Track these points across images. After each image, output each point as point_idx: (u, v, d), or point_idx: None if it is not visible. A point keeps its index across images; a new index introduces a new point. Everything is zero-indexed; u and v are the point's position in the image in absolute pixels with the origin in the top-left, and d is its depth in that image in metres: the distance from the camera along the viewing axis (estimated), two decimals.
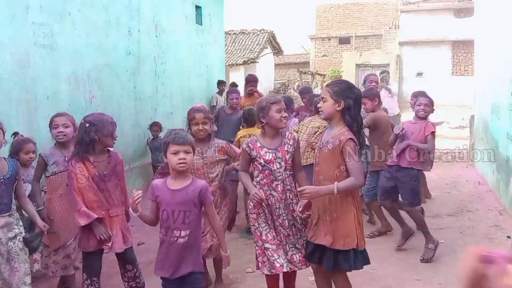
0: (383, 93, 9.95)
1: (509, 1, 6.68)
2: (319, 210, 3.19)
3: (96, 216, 3.41)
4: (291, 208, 3.49)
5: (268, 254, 3.43)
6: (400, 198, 5.13)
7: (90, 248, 3.50)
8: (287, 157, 3.47)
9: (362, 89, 5.87)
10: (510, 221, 5.92)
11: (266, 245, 3.44)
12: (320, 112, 3.29)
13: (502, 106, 6.98)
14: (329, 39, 27.96)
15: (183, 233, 2.89)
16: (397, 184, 4.96)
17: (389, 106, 9.56)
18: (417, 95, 6.87)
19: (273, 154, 3.45)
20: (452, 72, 21.37)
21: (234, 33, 22.99)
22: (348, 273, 3.24)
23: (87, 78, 6.27)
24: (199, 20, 10.31)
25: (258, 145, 3.49)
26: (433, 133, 4.80)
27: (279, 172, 3.45)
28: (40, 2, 5.38)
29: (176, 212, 2.89)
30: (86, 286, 3.52)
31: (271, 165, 3.45)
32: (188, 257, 2.94)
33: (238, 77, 16.93)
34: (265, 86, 23.61)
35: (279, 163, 3.45)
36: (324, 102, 3.12)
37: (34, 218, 3.47)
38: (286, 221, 3.49)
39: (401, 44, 22.23)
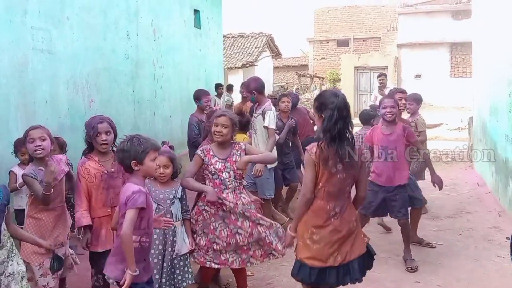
0: (378, 95, 9.99)
1: (506, 3, 6.70)
2: None
3: (86, 223, 3.52)
4: (252, 211, 3.74)
5: (216, 248, 3.68)
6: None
7: (94, 248, 3.60)
8: (235, 166, 3.72)
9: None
10: (509, 223, 5.92)
11: (217, 241, 3.67)
12: None
13: (500, 107, 7.00)
14: (328, 42, 28.03)
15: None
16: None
17: None
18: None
19: (223, 164, 3.71)
20: (451, 74, 21.38)
21: (233, 37, 23.05)
22: None
23: (85, 82, 6.27)
24: (197, 24, 10.34)
25: (211, 153, 3.74)
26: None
27: (228, 180, 3.69)
28: (38, 7, 5.39)
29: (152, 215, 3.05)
30: (93, 281, 3.69)
31: (221, 174, 3.69)
32: None
33: (236, 80, 16.96)
34: None
35: (228, 173, 3.70)
36: (315, 116, 3.18)
37: (35, 241, 3.27)
38: (247, 222, 3.68)
39: (400, 46, 22.25)
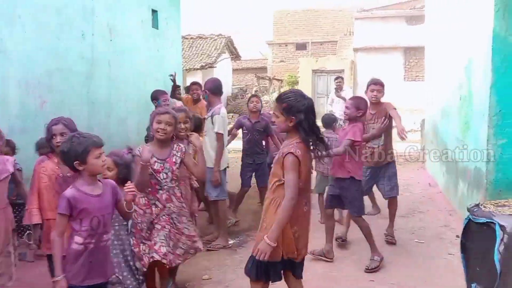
0: (334, 98, 10.22)
1: (456, 10, 6.95)
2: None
3: (35, 221, 3.46)
4: (173, 217, 3.68)
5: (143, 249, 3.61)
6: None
7: (48, 251, 3.45)
8: (174, 168, 3.62)
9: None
10: (459, 221, 6.10)
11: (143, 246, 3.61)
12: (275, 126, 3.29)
13: (451, 110, 7.24)
14: (286, 45, 28.26)
15: (109, 235, 2.96)
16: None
17: (341, 111, 9.76)
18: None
19: (161, 165, 3.59)
20: (404, 78, 22.00)
21: (192, 38, 22.90)
22: (305, 276, 3.24)
23: (37, 83, 6.09)
24: (155, 24, 10.20)
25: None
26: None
27: (165, 182, 3.60)
28: None
29: (106, 216, 2.87)
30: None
31: (158, 175, 3.56)
32: (110, 258, 3.05)
33: None
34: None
35: (166, 174, 3.60)
36: (277, 117, 3.05)
37: None
38: (167, 226, 3.66)
39: (356, 50, 22.71)
